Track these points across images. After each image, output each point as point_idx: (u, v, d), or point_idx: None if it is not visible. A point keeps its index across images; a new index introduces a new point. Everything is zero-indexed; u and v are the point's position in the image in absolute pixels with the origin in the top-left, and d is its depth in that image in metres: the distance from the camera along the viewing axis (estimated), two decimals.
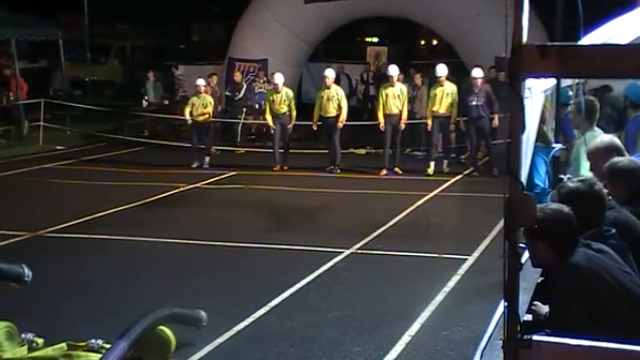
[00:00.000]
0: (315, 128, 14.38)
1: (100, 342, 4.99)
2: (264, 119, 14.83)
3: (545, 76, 3.28)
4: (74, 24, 25.70)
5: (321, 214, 10.73)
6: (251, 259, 8.57)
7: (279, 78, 14.30)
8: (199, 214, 10.88)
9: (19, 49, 19.56)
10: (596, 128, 6.18)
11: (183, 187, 12.55)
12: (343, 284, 7.58)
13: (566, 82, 6.04)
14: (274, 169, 14.18)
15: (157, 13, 30.12)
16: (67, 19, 26.28)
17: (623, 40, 4.34)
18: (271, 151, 14.66)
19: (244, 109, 16.77)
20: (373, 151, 15.46)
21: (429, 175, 13.48)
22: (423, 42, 34.36)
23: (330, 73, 14.22)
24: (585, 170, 5.21)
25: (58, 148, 16.98)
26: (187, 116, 14.88)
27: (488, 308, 4.29)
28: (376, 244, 9.03)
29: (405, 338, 6.15)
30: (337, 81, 15.73)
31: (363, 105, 20.39)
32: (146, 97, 19.29)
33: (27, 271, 5.34)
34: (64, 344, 5.08)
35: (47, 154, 16.05)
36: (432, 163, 13.73)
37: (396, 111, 13.64)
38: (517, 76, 2.26)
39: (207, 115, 14.87)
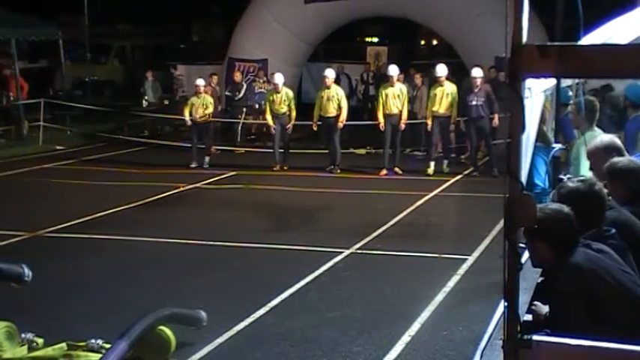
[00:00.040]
0: (315, 128, 14.38)
1: (100, 342, 4.99)
2: (264, 119, 14.83)
3: (545, 76, 3.28)
4: (74, 24, 25.69)
5: (321, 214, 10.73)
6: (251, 259, 8.57)
7: (279, 78, 14.30)
8: (199, 214, 10.88)
9: (19, 49, 19.56)
10: (596, 128, 6.19)
11: (183, 187, 12.55)
12: (343, 284, 7.58)
13: (566, 82, 6.04)
14: (274, 169, 14.18)
15: (157, 13, 30.12)
16: (67, 19, 26.29)
17: (623, 40, 4.34)
18: (271, 151, 14.66)
19: (244, 109, 16.77)
20: (373, 151, 15.46)
21: (429, 175, 13.48)
22: (423, 42, 34.37)
23: (330, 73, 14.22)
24: (585, 170, 5.21)
25: (58, 148, 16.98)
26: (187, 117, 14.88)
27: (488, 308, 4.29)
28: (376, 244, 9.03)
29: (405, 338, 6.15)
30: (337, 81, 15.73)
31: (363, 105, 20.39)
32: (146, 97, 19.30)
33: (27, 271, 5.35)
34: (64, 344, 5.09)
35: (47, 154, 16.05)
36: (432, 163, 13.73)
37: (396, 111, 13.64)
38: (517, 76, 2.26)
39: (207, 116, 14.87)
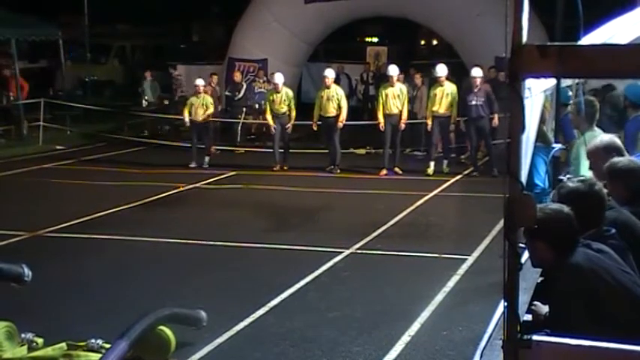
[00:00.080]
0: (315, 128, 14.38)
1: (100, 342, 4.99)
2: (264, 119, 14.83)
3: (545, 76, 3.28)
4: (74, 24, 25.71)
5: (321, 214, 10.73)
6: (251, 259, 8.57)
7: (279, 78, 14.31)
8: (199, 214, 10.88)
9: (19, 49, 19.56)
10: (595, 128, 6.19)
11: (183, 187, 12.55)
12: (343, 284, 7.58)
13: (566, 82, 6.04)
14: (274, 169, 14.18)
15: (157, 13, 30.12)
16: (67, 19, 26.31)
17: (623, 40, 4.34)
18: (271, 151, 14.66)
19: (244, 109, 16.77)
20: (373, 151, 15.46)
21: (428, 175, 13.48)
22: (423, 42, 34.37)
23: (329, 73, 14.22)
24: (585, 170, 5.21)
25: (58, 148, 16.98)
26: (186, 118, 14.88)
27: (488, 308, 4.29)
28: (376, 244, 9.03)
29: (405, 338, 6.15)
30: (337, 81, 15.73)
31: (363, 105, 20.39)
32: (146, 97, 19.31)
33: (27, 271, 5.35)
34: (63, 344, 5.08)
35: (47, 154, 16.05)
36: (432, 163, 13.73)
37: (395, 111, 13.64)
38: (517, 76, 2.26)
39: (207, 117, 14.85)
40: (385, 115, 13.63)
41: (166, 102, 19.71)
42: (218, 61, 19.67)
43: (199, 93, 14.87)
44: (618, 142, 4.86)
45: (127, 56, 28.11)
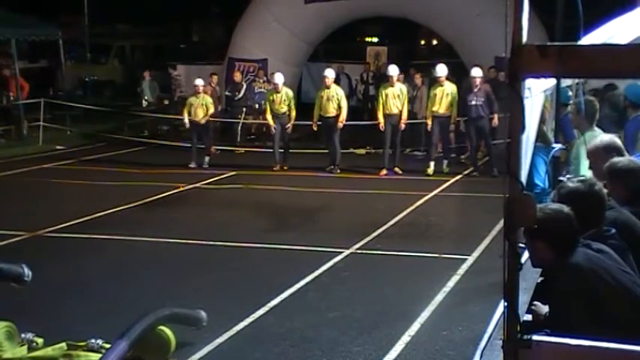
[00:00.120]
0: (315, 128, 14.38)
1: (100, 342, 4.99)
2: (264, 119, 14.84)
3: (545, 76, 3.28)
4: (74, 24, 25.72)
5: (321, 214, 10.73)
6: (251, 259, 8.57)
7: (279, 78, 14.31)
8: (199, 214, 10.88)
9: (19, 49, 19.56)
10: (595, 128, 6.19)
11: (182, 187, 12.55)
12: (343, 284, 7.58)
13: (566, 82, 6.04)
14: (274, 169, 14.18)
15: (157, 13, 30.12)
16: (67, 19, 26.32)
17: (623, 40, 4.34)
18: (271, 151, 14.66)
19: (244, 109, 16.77)
20: (373, 151, 15.46)
21: (428, 175, 13.48)
22: (423, 42, 34.37)
23: (329, 73, 14.22)
24: (585, 170, 5.21)
25: (58, 148, 16.98)
26: (186, 119, 14.88)
27: (488, 308, 4.29)
28: (376, 244, 9.03)
29: (405, 338, 6.15)
30: (337, 81, 15.73)
31: (363, 105, 20.40)
32: (146, 97, 19.31)
33: (27, 271, 5.35)
34: (63, 344, 5.08)
35: (47, 154, 16.05)
36: (432, 163, 13.73)
37: (395, 111, 13.64)
38: (517, 76, 2.26)
39: (208, 117, 14.84)
40: (385, 115, 13.64)
41: (166, 102, 19.72)
42: (218, 61, 19.67)
43: (199, 93, 14.86)
44: (618, 142, 4.86)
45: (127, 56, 28.12)
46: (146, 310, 5.29)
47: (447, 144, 14.23)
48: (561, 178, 5.21)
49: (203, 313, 6.09)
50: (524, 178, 2.66)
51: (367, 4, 17.62)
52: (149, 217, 10.53)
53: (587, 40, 3.93)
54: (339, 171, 13.90)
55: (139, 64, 24.85)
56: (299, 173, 13.78)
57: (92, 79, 25.31)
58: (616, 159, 4.29)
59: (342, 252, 8.60)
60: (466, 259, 8.31)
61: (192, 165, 14.49)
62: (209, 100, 14.96)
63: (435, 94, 13.65)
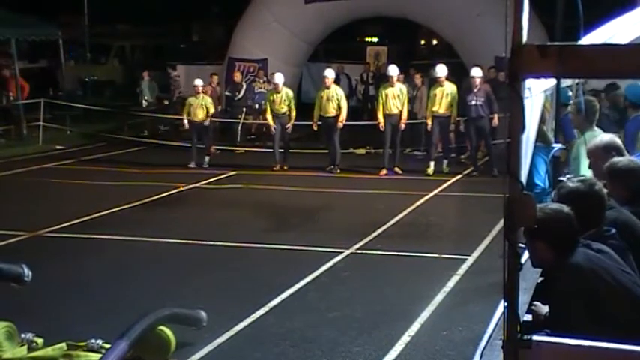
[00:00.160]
0: (315, 128, 14.39)
1: (100, 342, 4.99)
2: (264, 119, 14.84)
3: (545, 76, 3.28)
4: (74, 24, 25.76)
5: (321, 214, 10.73)
6: (251, 259, 8.57)
7: (279, 78, 14.31)
8: (199, 214, 10.88)
9: (19, 49, 19.57)
10: (595, 128, 6.19)
11: (182, 187, 12.55)
12: (343, 284, 7.58)
13: (566, 82, 6.04)
14: (274, 169, 14.18)
15: (157, 13, 30.15)
16: (67, 19, 26.35)
17: (623, 40, 4.34)
18: (271, 151, 14.66)
19: (244, 109, 16.77)
20: (373, 151, 15.46)
21: (428, 175, 13.48)
22: (423, 42, 34.40)
23: (329, 73, 14.22)
24: (585, 170, 5.21)
25: (58, 148, 16.98)
26: (185, 119, 14.88)
27: (488, 308, 4.29)
28: (376, 244, 9.03)
29: (405, 338, 6.15)
30: (337, 81, 15.73)
31: (363, 105, 20.40)
32: (146, 97, 19.31)
33: (27, 271, 5.35)
34: (63, 344, 5.08)
35: (47, 154, 16.05)
36: (432, 163, 13.73)
37: (395, 111, 13.64)
38: (517, 76, 2.26)
39: (209, 118, 14.83)
40: (385, 115, 13.64)
41: (166, 102, 19.73)
42: (218, 61, 19.67)
43: (198, 93, 14.85)
44: (618, 141, 4.87)
45: (127, 56, 28.14)
46: (146, 310, 5.29)
47: (447, 144, 14.23)
48: (561, 178, 5.21)
49: (203, 313, 6.09)
50: (524, 178, 2.66)
51: (367, 4, 17.62)
52: (149, 217, 10.53)
53: (587, 40, 3.93)
54: (339, 171, 13.90)
55: (138, 64, 24.90)
56: (299, 173, 13.78)
57: (92, 79, 25.33)
58: (616, 159, 4.29)
59: (342, 252, 8.60)
60: (466, 259, 8.31)
61: (192, 165, 14.49)
62: (208, 100, 14.94)
63: (435, 94, 13.65)
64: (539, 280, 3.61)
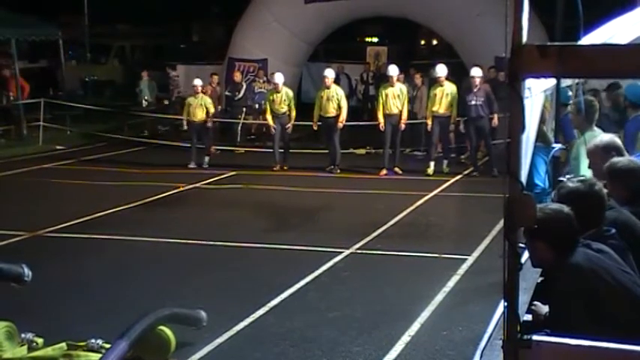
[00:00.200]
0: (315, 128, 14.39)
1: (99, 342, 4.99)
2: (264, 119, 14.84)
3: (545, 76, 3.28)
4: (74, 24, 25.77)
5: (321, 214, 10.73)
6: (251, 259, 8.57)
7: (279, 78, 14.31)
8: (199, 214, 10.88)
9: (19, 49, 19.57)
10: (595, 128, 6.19)
11: (182, 187, 12.55)
12: (343, 284, 7.58)
13: (566, 82, 6.04)
14: (274, 169, 14.18)
15: (157, 13, 30.16)
16: (67, 19, 26.36)
17: (623, 40, 4.34)
18: (271, 151, 14.66)
19: (244, 109, 16.78)
20: (373, 151, 15.46)
21: (428, 175, 13.48)
22: (423, 42, 34.41)
23: (329, 73, 14.22)
24: (585, 170, 5.21)
25: (58, 148, 16.98)
26: (184, 119, 14.90)
27: (488, 308, 4.29)
28: (376, 244, 9.03)
29: (405, 338, 6.15)
30: (337, 81, 15.73)
31: (362, 105, 20.40)
32: (146, 98, 19.32)
33: (27, 271, 5.35)
34: (63, 344, 5.08)
35: (47, 154, 16.05)
36: (432, 163, 13.73)
37: (395, 111, 13.64)
38: (517, 76, 2.26)
39: (209, 118, 14.83)
40: (385, 115, 13.64)
41: (166, 102, 19.73)
42: (218, 61, 19.68)
43: (197, 93, 14.84)
44: (618, 141, 4.87)
45: (127, 56, 28.15)
46: (146, 310, 5.29)
47: (446, 144, 14.24)
48: (561, 178, 5.21)
49: (203, 313, 6.08)
50: (524, 178, 2.66)
51: (367, 4, 17.62)
52: (149, 217, 10.53)
53: (587, 40, 3.93)
54: (339, 171, 13.90)
55: (138, 64, 24.91)
56: (299, 173, 13.78)
57: (92, 79, 25.33)
58: (616, 159, 4.30)
59: (342, 252, 8.60)
60: (466, 259, 8.31)
61: (192, 165, 14.49)
62: (208, 100, 14.93)
63: (435, 94, 13.65)
64: (539, 280, 3.61)
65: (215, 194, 12.30)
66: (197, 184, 12.86)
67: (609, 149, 4.65)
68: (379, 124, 13.70)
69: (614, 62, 2.22)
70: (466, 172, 13.77)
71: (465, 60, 16.68)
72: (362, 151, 15.87)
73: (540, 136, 5.68)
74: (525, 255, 3.36)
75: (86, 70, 25.16)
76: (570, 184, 3.73)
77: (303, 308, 6.89)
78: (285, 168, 14.23)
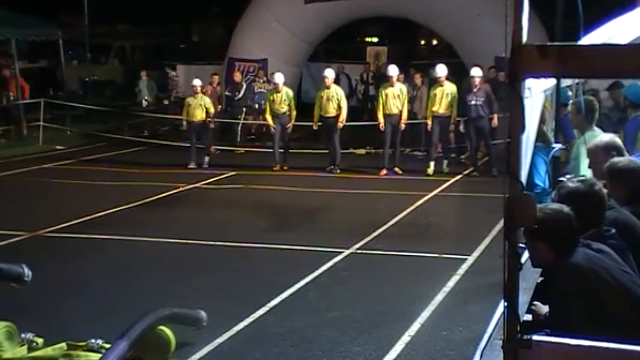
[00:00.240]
0: (315, 128, 14.39)
1: (99, 342, 4.99)
2: (264, 119, 14.84)
3: (545, 76, 3.27)
4: (74, 24, 25.74)
5: (321, 214, 10.73)
6: (251, 259, 8.57)
7: (279, 77, 14.31)
8: (199, 214, 10.88)
9: (19, 49, 19.57)
10: (595, 128, 6.19)
11: (182, 187, 12.55)
12: (343, 284, 7.58)
13: (566, 82, 6.04)
14: (274, 169, 14.18)
15: (157, 13, 30.15)
16: (67, 19, 26.34)
17: (623, 40, 4.34)
18: (271, 151, 14.66)
19: (244, 109, 16.78)
20: (373, 151, 15.46)
21: (428, 175, 13.49)
22: (423, 42, 34.40)
23: (329, 73, 14.22)
24: (585, 170, 5.22)
25: (58, 148, 16.98)
26: (184, 119, 14.90)
27: (488, 308, 4.29)
28: (376, 244, 9.03)
29: (405, 338, 6.15)
30: (337, 81, 15.73)
31: (362, 105, 20.40)
32: (146, 98, 19.32)
33: (27, 271, 5.35)
34: (63, 344, 5.08)
35: (47, 154, 16.05)
36: (432, 163, 13.73)
37: (395, 111, 13.64)
38: (517, 76, 2.26)
39: (209, 118, 14.83)
40: (385, 115, 13.64)
41: (166, 102, 19.73)
42: (218, 61, 19.67)
43: (197, 93, 14.84)
44: (618, 141, 4.87)
45: (127, 56, 28.14)
46: (146, 310, 5.29)
47: (446, 144, 14.24)
48: (561, 178, 5.21)
49: (203, 313, 6.09)
50: (524, 178, 2.66)
51: (367, 4, 17.62)
52: (149, 217, 10.53)
53: (587, 40, 3.93)
54: (339, 171, 13.90)
55: (139, 64, 24.91)
56: (299, 173, 13.78)
57: (92, 79, 25.33)
58: (616, 159, 4.30)
59: (342, 252, 8.60)
60: (466, 259, 8.31)
61: (192, 165, 14.49)
62: (207, 100, 14.92)
63: (435, 94, 13.65)
64: (539, 280, 3.61)
65: (215, 194, 12.31)
66: (197, 184, 12.86)
67: (609, 149, 4.64)
68: (379, 124, 13.70)
69: (614, 62, 2.21)
70: (466, 172, 13.77)
71: (465, 60, 16.68)
72: (362, 151, 15.88)
73: (540, 136, 5.68)
74: (525, 255, 3.35)
75: (86, 70, 25.14)
76: (570, 184, 3.73)
77: (303, 308, 6.89)
78: (285, 168, 14.23)
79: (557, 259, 3.21)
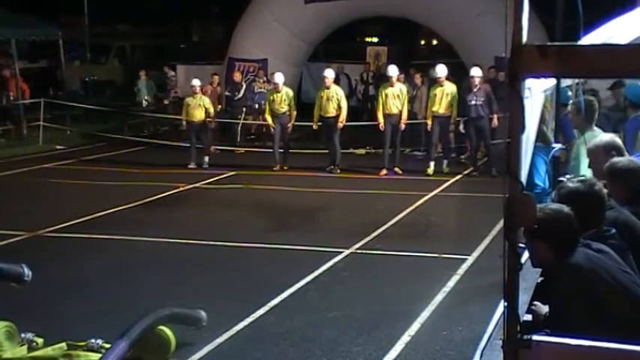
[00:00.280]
0: (315, 128, 14.39)
1: (99, 342, 4.99)
2: (264, 119, 14.84)
3: (545, 76, 3.28)
4: (74, 24, 25.74)
5: (321, 214, 10.73)
6: (251, 259, 8.57)
7: (279, 77, 14.31)
8: (199, 214, 10.88)
9: (19, 49, 19.57)
10: (595, 128, 6.19)
11: (182, 187, 12.55)
12: (343, 284, 7.58)
13: (566, 82, 6.04)
14: (274, 169, 14.18)
15: (157, 13, 30.15)
16: (67, 19, 26.34)
17: (623, 40, 4.34)
18: (271, 151, 14.66)
19: (244, 109, 16.78)
20: (373, 151, 15.46)
21: (428, 175, 13.49)
22: (423, 42, 34.38)
23: (329, 73, 14.22)
24: (585, 170, 5.22)
25: (58, 148, 16.99)
26: (183, 119, 14.90)
27: (488, 308, 4.29)
28: (376, 244, 9.03)
29: (405, 338, 6.15)
30: (337, 81, 15.73)
31: (362, 105, 20.40)
32: (146, 98, 19.32)
33: (27, 271, 5.35)
34: (63, 344, 5.08)
35: (47, 154, 16.05)
36: (432, 163, 13.73)
37: (395, 111, 13.64)
38: (517, 76, 2.26)
39: (212, 118, 14.83)
40: (385, 115, 13.64)
41: (166, 102, 19.73)
42: (218, 61, 19.67)
43: (196, 93, 14.83)
44: (618, 141, 4.87)
45: (127, 56, 28.13)
46: (146, 310, 5.29)
47: (446, 144, 14.24)
48: (561, 178, 5.21)
49: (203, 313, 6.09)
50: (524, 178, 2.66)
51: (367, 4, 17.62)
52: (149, 217, 10.53)
53: (587, 40, 3.93)
54: (339, 171, 13.90)
55: (139, 64, 24.90)
56: (299, 173, 13.78)
57: (92, 79, 25.32)
58: (616, 159, 4.30)
59: (342, 252, 8.60)
60: (466, 259, 8.31)
61: (192, 165, 14.49)
62: (206, 100, 14.92)
63: (435, 94, 13.65)
64: (539, 280, 3.61)
65: (215, 194, 12.31)
66: (197, 184, 12.86)
67: (609, 149, 4.64)
68: (379, 124, 13.70)
69: (614, 62, 2.21)
70: (466, 172, 13.77)
71: (465, 60, 16.68)
72: (362, 151, 15.88)
73: (540, 136, 5.68)
74: (525, 255, 3.35)
75: (86, 70, 25.14)
76: (570, 184, 3.73)
77: (303, 308, 6.89)
78: (285, 168, 14.23)
79: (557, 259, 3.21)
